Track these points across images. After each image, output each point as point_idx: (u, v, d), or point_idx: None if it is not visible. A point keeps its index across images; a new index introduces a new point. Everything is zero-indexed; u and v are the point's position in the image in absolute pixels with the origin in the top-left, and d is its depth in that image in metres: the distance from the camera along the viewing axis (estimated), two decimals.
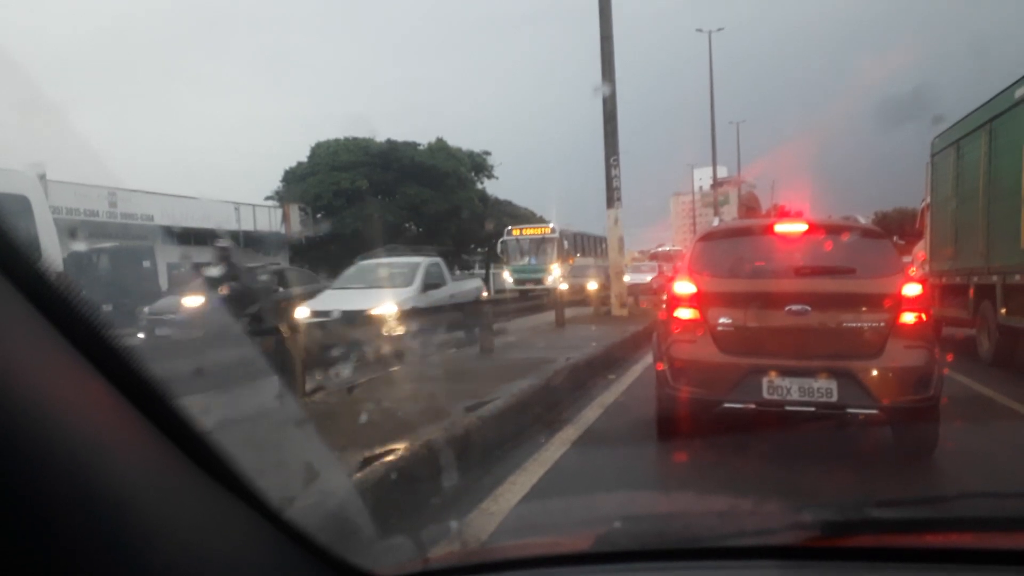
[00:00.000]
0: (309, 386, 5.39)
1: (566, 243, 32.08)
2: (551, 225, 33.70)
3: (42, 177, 12.55)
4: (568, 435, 5.74)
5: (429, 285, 12.67)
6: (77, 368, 0.85)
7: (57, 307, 0.83)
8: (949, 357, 4.89)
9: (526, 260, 31.43)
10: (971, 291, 10.15)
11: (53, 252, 9.55)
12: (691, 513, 2.03)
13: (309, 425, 4.49)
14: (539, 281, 29.04)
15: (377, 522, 3.21)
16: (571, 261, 30.39)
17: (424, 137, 45.46)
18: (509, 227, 33.77)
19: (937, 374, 4.79)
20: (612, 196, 15.98)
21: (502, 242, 32.84)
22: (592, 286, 18.99)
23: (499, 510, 3.97)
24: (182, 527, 0.94)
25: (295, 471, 2.61)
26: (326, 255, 33.58)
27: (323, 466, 2.97)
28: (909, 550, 1.35)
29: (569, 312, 15.69)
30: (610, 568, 1.38)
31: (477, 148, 46.79)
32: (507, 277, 31.57)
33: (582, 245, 34.94)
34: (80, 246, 16.54)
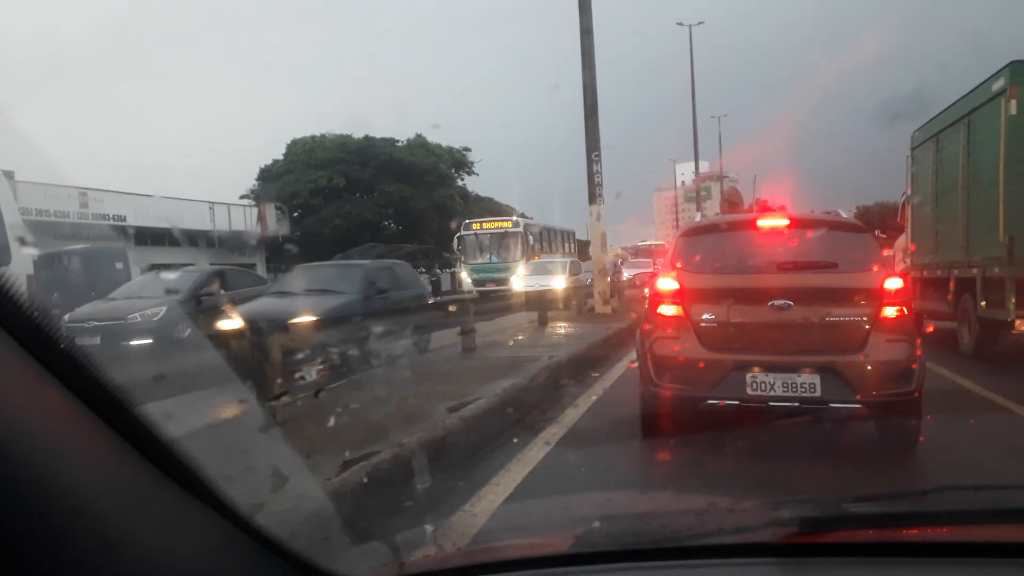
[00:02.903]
0: (277, 390, 5.27)
1: (531, 238, 29.58)
2: (513, 219, 30.92)
3: (10, 176, 12.32)
4: (552, 434, 5.69)
5: None
6: (33, 375, 0.84)
7: (11, 313, 0.81)
8: (918, 352, 4.89)
9: (486, 257, 28.71)
10: (951, 284, 10.22)
11: (23, 254, 9.36)
12: (669, 512, 2.03)
13: (278, 430, 4.40)
14: (501, 281, 26.13)
15: (356, 527, 3.14)
16: (536, 258, 27.83)
17: (403, 134, 45.31)
18: (467, 221, 30.83)
19: (919, 367, 4.80)
20: (594, 192, 15.94)
21: (459, 238, 29.80)
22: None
23: (482, 511, 3.93)
24: (147, 535, 0.92)
25: (266, 477, 2.53)
26: (303, 254, 33.25)
27: (295, 472, 2.90)
28: (887, 544, 1.36)
29: (551, 310, 15.62)
30: (588, 569, 1.36)
31: (457, 145, 46.79)
32: (465, 277, 28.45)
33: (548, 240, 32.58)
34: (51, 247, 16.28)
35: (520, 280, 23.05)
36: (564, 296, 16.51)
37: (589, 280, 22.44)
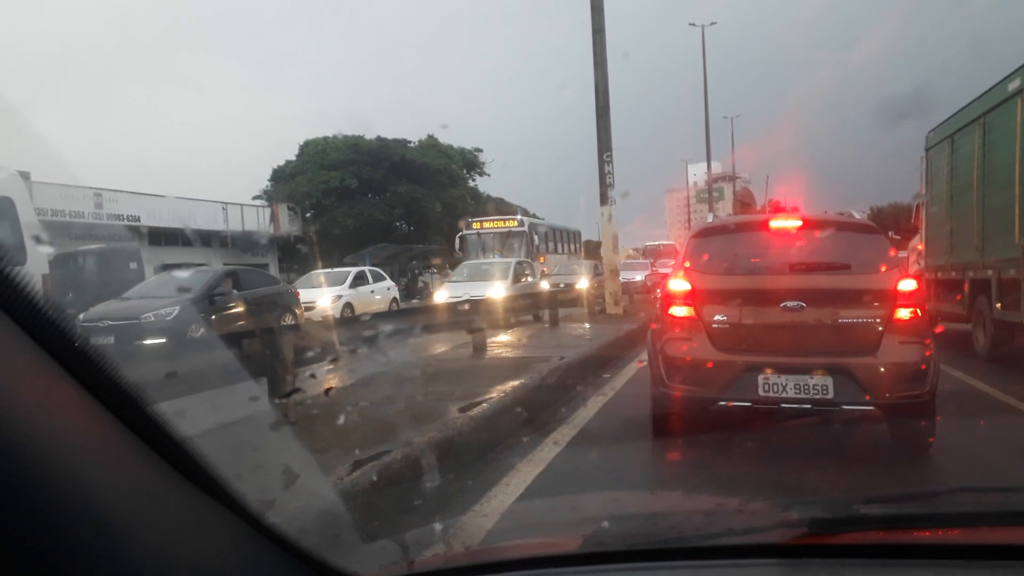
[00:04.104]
0: (288, 388, 5.29)
1: (536, 238, 27.98)
2: (518, 217, 29.35)
3: (26, 178, 12.45)
4: (562, 435, 5.68)
5: None
6: (48, 373, 0.84)
7: (27, 312, 0.82)
8: (932, 354, 4.85)
9: (489, 258, 25.92)
10: (966, 286, 10.14)
11: (38, 254, 9.45)
12: (679, 512, 2.02)
13: (290, 429, 4.41)
14: None
15: (366, 526, 3.15)
16: (541, 259, 26.38)
17: (415, 134, 45.43)
18: (469, 219, 29.34)
19: (933, 369, 4.77)
20: (605, 193, 15.92)
21: (460, 237, 28.04)
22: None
23: (492, 511, 3.93)
24: (158, 531, 0.93)
25: (277, 475, 2.54)
26: (315, 255, 33.32)
27: (306, 470, 2.92)
28: (896, 546, 1.35)
29: (563, 311, 15.61)
30: (597, 569, 1.36)
31: (469, 145, 46.87)
32: None
33: (554, 240, 31.26)
34: (66, 247, 16.45)
35: (443, 289, 17.52)
36: (504, 308, 11.54)
37: (562, 285, 19.36)
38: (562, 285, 19.49)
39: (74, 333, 0.87)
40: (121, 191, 25.17)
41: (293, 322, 13.22)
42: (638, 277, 27.00)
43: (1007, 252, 8.67)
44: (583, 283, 19.43)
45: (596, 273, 23.09)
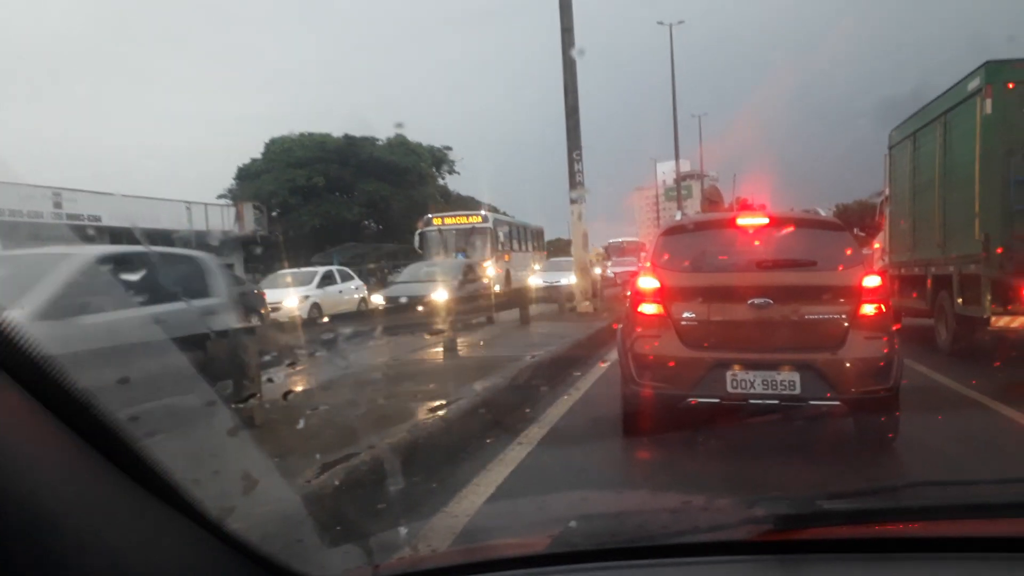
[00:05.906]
0: (248, 392, 5.17)
1: (500, 234, 26.24)
2: (482, 213, 27.05)
3: None
4: (533, 434, 5.67)
5: None
6: None
7: None
8: (895, 349, 4.91)
9: (451, 256, 24.59)
10: (929, 282, 10.33)
11: None
12: (645, 511, 2.02)
13: (251, 433, 4.34)
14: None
15: (331, 530, 3.09)
16: (507, 258, 25.28)
17: (383, 133, 45.17)
18: (429, 215, 26.90)
19: (897, 364, 4.85)
20: (575, 191, 15.95)
21: (420, 234, 25.93)
22: None
23: (462, 512, 3.90)
24: (114, 540, 0.91)
25: (237, 480, 2.47)
26: (281, 254, 32.88)
27: (268, 475, 2.86)
28: (860, 540, 1.37)
29: (534, 309, 15.63)
30: (565, 569, 1.36)
31: (438, 143, 46.77)
32: None
33: (519, 238, 29.60)
34: (24, 250, 16.04)
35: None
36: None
37: (403, 299, 14.00)
38: (403, 299, 14.02)
39: (21, 338, 0.84)
40: (81, 191, 24.62)
41: (258, 323, 13.03)
42: (563, 281, 21.05)
43: (968, 248, 8.86)
44: (440, 295, 13.10)
45: (467, 279, 17.72)
